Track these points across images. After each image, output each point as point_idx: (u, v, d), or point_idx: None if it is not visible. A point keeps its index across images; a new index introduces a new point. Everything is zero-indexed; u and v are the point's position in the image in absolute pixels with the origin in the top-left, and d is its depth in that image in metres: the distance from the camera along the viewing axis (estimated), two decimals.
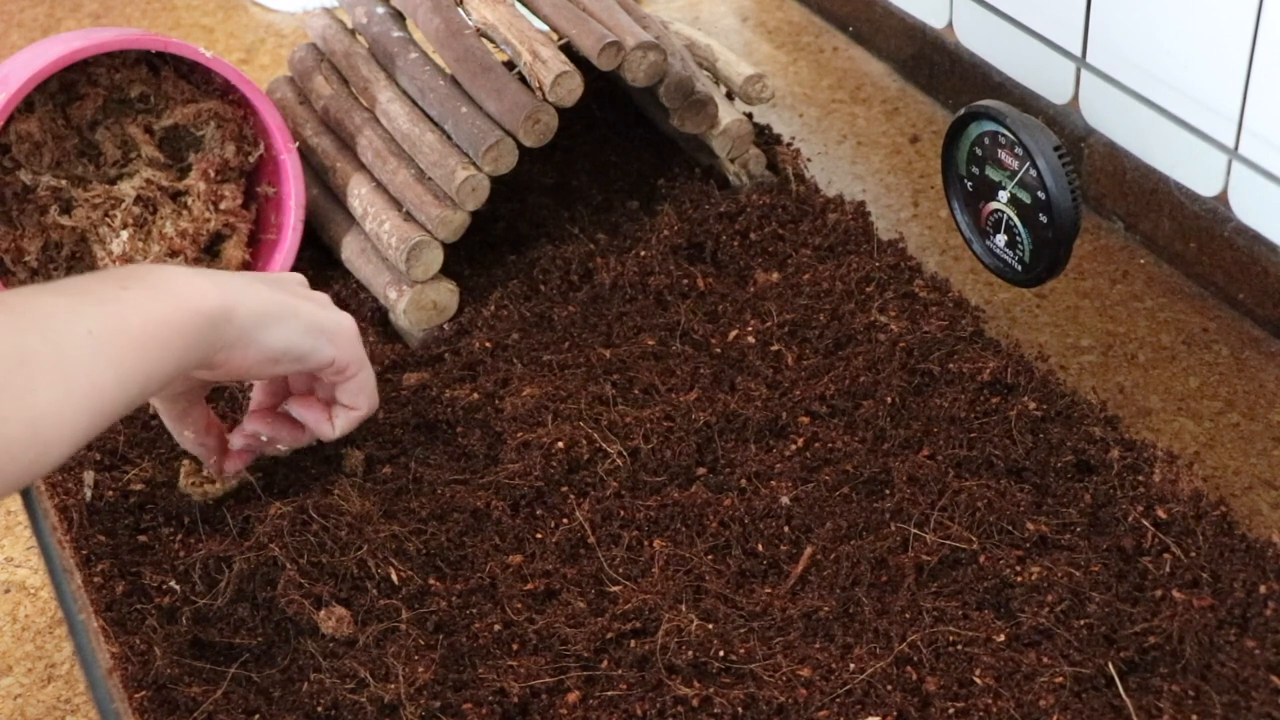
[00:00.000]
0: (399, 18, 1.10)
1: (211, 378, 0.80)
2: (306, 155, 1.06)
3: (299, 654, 0.79)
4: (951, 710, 0.73)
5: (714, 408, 0.91)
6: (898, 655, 0.76)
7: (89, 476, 0.89)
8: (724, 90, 1.13)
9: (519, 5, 1.07)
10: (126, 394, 0.68)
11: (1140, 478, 0.83)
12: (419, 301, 1.00)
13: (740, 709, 0.73)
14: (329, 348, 0.80)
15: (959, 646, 0.76)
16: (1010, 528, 0.82)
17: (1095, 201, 1.11)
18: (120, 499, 0.88)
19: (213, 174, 1.02)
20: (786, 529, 0.84)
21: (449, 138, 1.01)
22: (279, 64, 1.36)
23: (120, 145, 1.01)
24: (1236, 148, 0.97)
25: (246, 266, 1.04)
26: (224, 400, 0.96)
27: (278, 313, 0.77)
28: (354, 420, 0.86)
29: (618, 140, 1.17)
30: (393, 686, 0.76)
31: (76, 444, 0.66)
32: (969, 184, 0.95)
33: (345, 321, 0.82)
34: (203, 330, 0.72)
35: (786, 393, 0.92)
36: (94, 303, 0.68)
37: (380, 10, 1.10)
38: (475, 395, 0.94)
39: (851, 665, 0.75)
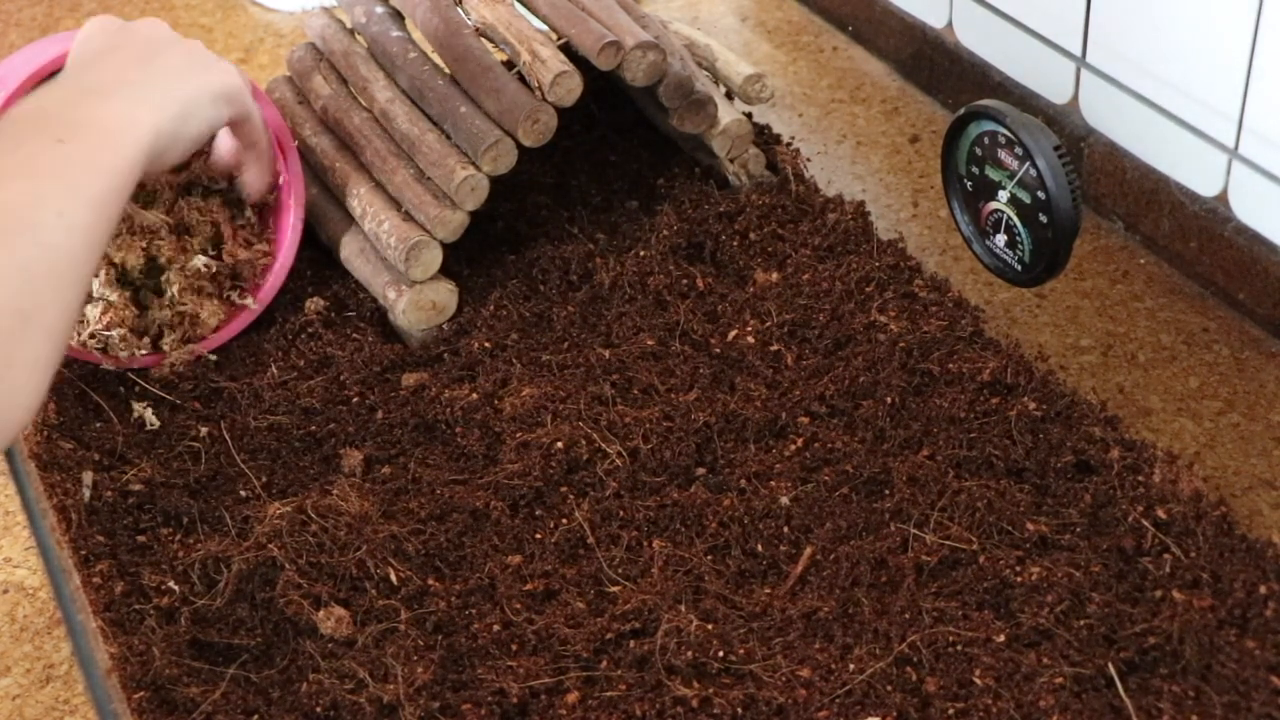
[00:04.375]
0: (398, 17, 1.09)
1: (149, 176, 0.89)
2: (305, 155, 1.06)
3: (298, 654, 0.79)
4: (951, 711, 0.73)
5: (713, 408, 0.91)
6: (898, 655, 0.75)
7: (88, 477, 0.89)
8: (723, 90, 1.13)
9: (518, 5, 1.07)
10: (96, 253, 0.73)
11: (1140, 478, 0.83)
12: (418, 301, 1.00)
13: (740, 709, 0.73)
14: (229, 108, 0.88)
15: (959, 647, 0.76)
16: (1010, 528, 0.82)
17: (1095, 201, 1.11)
18: (119, 499, 0.88)
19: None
20: (786, 529, 0.84)
21: (448, 137, 1.01)
22: (277, 64, 1.36)
23: None
24: (1236, 148, 0.97)
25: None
26: (223, 400, 0.96)
27: (188, 107, 0.83)
28: (262, 161, 0.94)
29: (617, 140, 1.17)
30: (392, 687, 0.76)
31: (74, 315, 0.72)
32: (969, 184, 0.95)
33: (230, 73, 0.89)
34: (140, 158, 0.78)
35: (786, 393, 0.92)
36: (48, 175, 0.71)
37: (379, 10, 1.10)
38: (474, 395, 0.94)
39: (851, 665, 0.75)
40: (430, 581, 0.82)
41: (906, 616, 0.78)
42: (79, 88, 0.81)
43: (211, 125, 0.87)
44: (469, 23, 1.05)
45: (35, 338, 0.67)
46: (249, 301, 1.01)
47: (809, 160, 1.13)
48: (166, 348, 0.98)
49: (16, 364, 0.66)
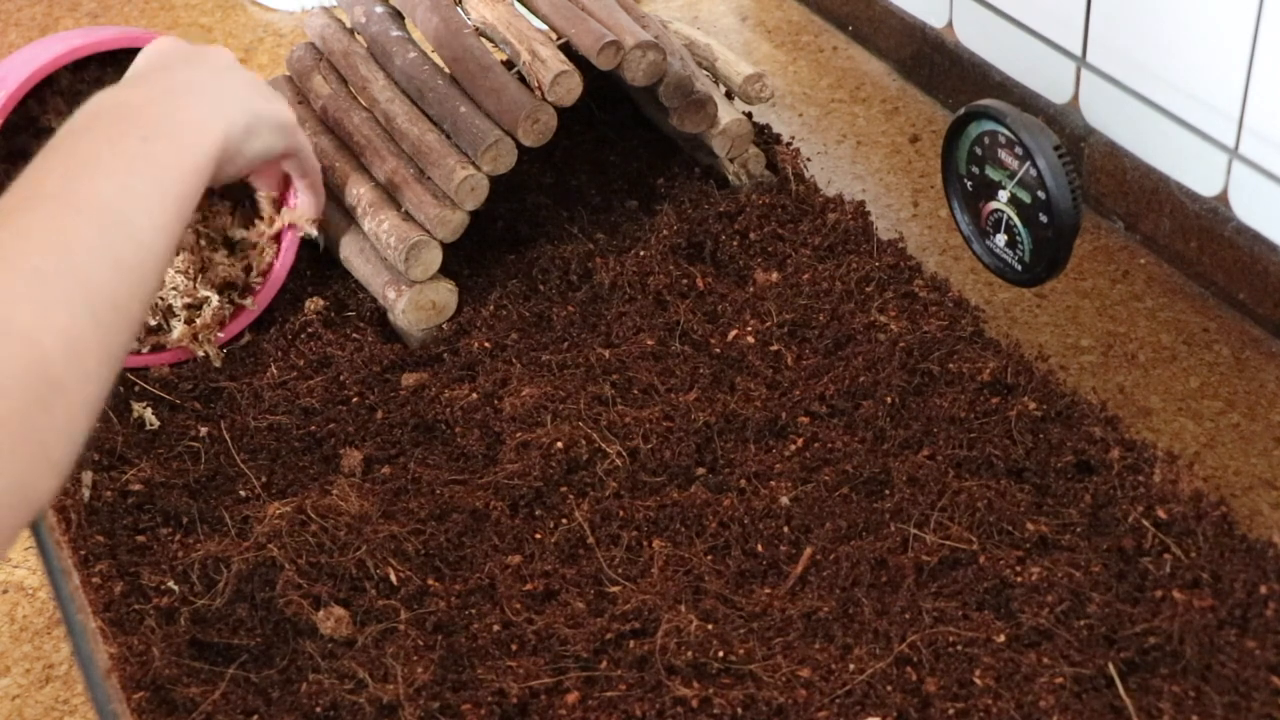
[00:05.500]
0: (398, 17, 1.09)
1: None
2: None
3: (298, 654, 0.79)
4: (951, 711, 0.73)
5: (713, 408, 0.91)
6: (897, 656, 0.75)
7: (87, 477, 0.89)
8: (723, 90, 1.13)
9: (518, 4, 1.07)
10: (172, 252, 0.73)
11: (1140, 478, 0.83)
12: (418, 301, 1.00)
13: (740, 710, 0.73)
14: (284, 140, 0.91)
15: (959, 647, 0.76)
16: (1010, 528, 0.82)
17: (1095, 201, 1.11)
18: (119, 499, 0.88)
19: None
20: (786, 529, 0.84)
21: (448, 137, 1.01)
22: (277, 63, 1.35)
23: None
24: (1236, 147, 0.97)
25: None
26: (223, 400, 0.96)
27: (254, 125, 0.86)
28: (315, 190, 0.99)
29: (617, 140, 1.17)
30: (391, 687, 0.76)
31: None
32: (969, 184, 0.95)
33: (288, 108, 0.92)
34: (211, 164, 0.79)
35: (786, 393, 0.92)
36: (138, 173, 0.72)
37: (379, 9, 1.10)
38: (474, 395, 0.94)
39: (851, 666, 0.75)
40: (430, 581, 0.82)
41: (906, 616, 0.78)
42: (160, 87, 0.81)
43: (269, 150, 0.89)
44: (469, 22, 1.05)
45: (122, 332, 0.67)
46: (248, 302, 1.01)
47: (809, 160, 1.13)
48: (171, 341, 0.99)
49: (104, 358, 0.66)
